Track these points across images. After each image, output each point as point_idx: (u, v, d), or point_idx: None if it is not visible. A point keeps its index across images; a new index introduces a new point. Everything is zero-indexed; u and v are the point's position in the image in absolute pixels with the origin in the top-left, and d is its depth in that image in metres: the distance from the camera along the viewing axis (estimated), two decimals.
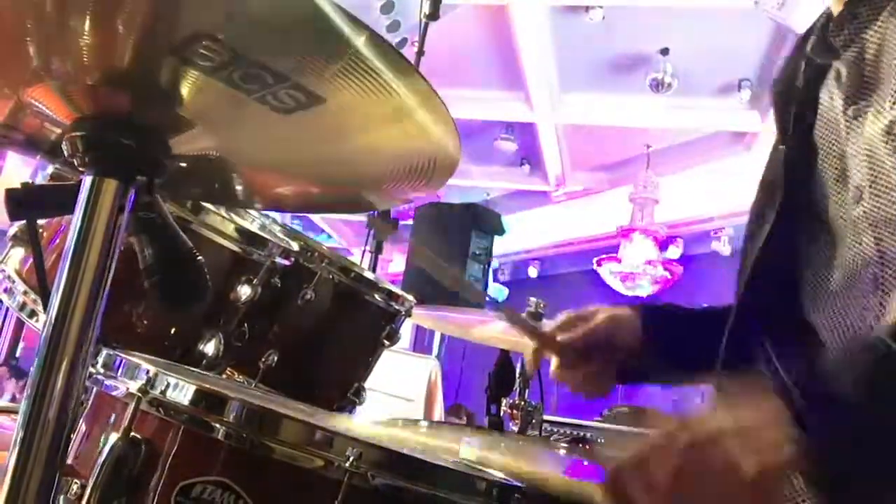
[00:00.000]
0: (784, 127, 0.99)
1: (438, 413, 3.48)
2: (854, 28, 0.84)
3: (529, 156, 7.09)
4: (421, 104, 0.70)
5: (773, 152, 1.01)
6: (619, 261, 7.15)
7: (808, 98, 0.94)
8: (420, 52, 2.51)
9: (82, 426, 0.86)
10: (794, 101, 0.97)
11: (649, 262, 6.99)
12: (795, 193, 0.94)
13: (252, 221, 1.39)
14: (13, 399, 5.76)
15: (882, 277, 0.82)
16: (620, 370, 1.10)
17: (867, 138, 0.83)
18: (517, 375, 1.89)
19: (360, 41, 0.61)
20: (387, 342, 1.54)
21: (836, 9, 0.87)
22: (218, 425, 0.75)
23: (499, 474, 0.87)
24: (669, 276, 7.01)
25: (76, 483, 0.77)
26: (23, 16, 0.63)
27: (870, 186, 0.82)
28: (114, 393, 0.83)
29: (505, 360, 1.94)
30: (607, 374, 1.09)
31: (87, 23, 0.62)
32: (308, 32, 0.62)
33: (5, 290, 1.26)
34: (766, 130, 5.72)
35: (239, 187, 0.94)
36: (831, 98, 0.91)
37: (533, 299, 1.92)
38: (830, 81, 0.91)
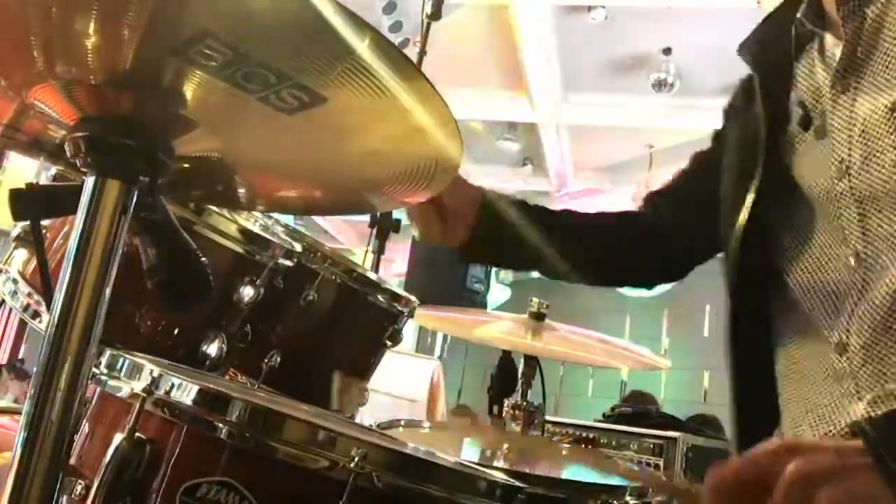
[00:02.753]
0: (765, 91, 0.97)
1: (441, 413, 3.48)
2: (859, 1, 0.83)
3: (532, 156, 7.08)
4: (424, 106, 0.69)
5: (745, 115, 0.99)
6: None
7: (787, 64, 0.93)
8: (422, 53, 2.50)
9: (86, 427, 0.86)
10: (772, 66, 0.95)
11: None
12: (772, 161, 0.92)
13: (255, 222, 1.39)
14: (16, 401, 5.77)
15: (864, 254, 0.82)
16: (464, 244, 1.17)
17: (863, 115, 0.82)
18: (519, 376, 1.89)
19: (363, 42, 0.61)
20: (389, 343, 1.53)
21: None
22: (222, 425, 0.75)
23: (502, 475, 0.87)
24: None
25: (80, 484, 0.77)
26: (27, 17, 0.63)
27: (861, 162, 0.81)
28: (118, 394, 0.82)
29: (507, 360, 1.94)
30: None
31: (91, 23, 0.62)
32: (310, 32, 0.62)
33: (9, 292, 1.26)
34: None
35: (241, 189, 0.94)
36: (811, 69, 0.90)
37: (535, 299, 1.92)
38: (814, 52, 0.90)
